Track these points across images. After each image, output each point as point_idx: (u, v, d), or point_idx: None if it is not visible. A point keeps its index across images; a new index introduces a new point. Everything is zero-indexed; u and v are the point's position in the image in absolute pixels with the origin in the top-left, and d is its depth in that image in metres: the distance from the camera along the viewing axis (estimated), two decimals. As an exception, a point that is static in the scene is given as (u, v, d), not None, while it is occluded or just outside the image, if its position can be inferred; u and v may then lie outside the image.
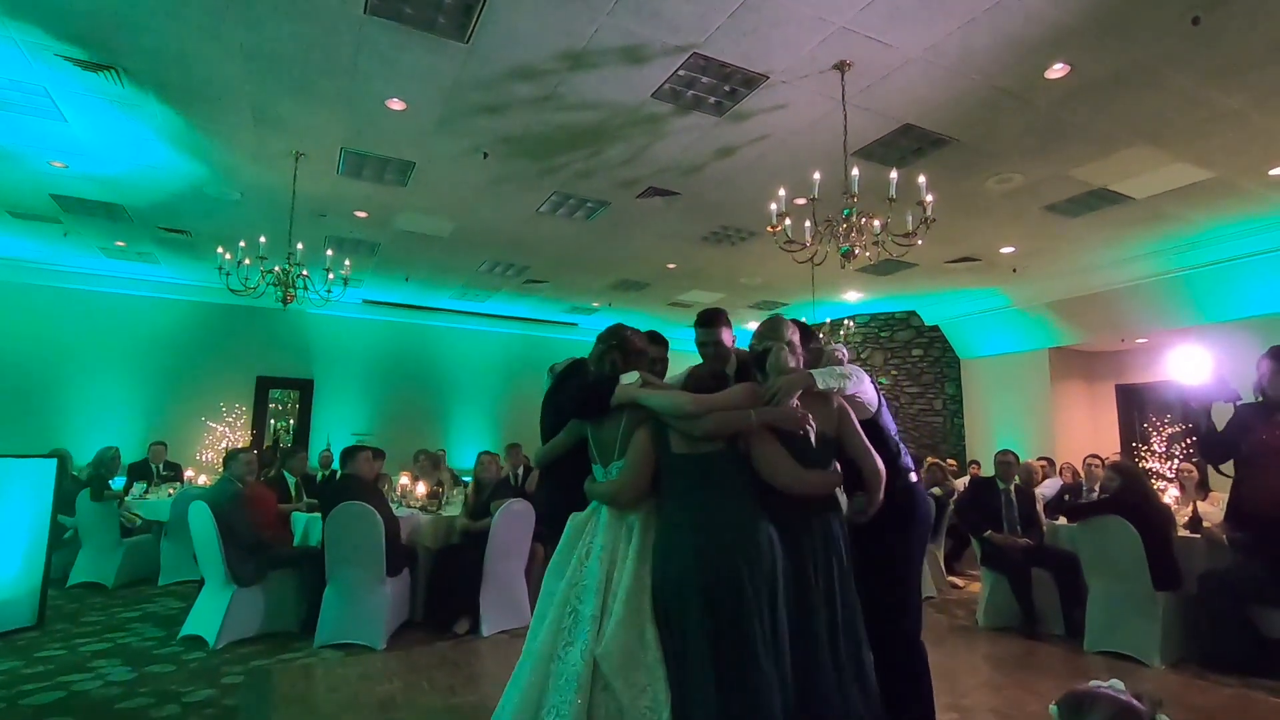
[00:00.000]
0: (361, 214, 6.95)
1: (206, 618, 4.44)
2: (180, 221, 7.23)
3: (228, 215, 6.91)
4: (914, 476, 2.68)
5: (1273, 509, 3.14)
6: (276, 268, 5.68)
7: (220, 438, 9.55)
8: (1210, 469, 4.62)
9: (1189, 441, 4.06)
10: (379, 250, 8.23)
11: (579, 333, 12.89)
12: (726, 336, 2.77)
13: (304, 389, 10.80)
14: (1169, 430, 8.01)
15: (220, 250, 5.75)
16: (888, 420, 2.63)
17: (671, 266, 8.84)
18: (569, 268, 8.99)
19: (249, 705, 3.27)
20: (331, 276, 5.99)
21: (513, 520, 4.81)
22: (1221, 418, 3.72)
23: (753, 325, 11.02)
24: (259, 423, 10.32)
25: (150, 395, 9.66)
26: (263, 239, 5.66)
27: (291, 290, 5.56)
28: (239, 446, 5.49)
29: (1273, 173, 5.76)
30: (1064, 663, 4.24)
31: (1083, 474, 6.48)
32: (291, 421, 10.68)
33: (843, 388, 2.35)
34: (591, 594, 2.14)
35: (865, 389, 2.44)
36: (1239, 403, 3.42)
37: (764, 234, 7.35)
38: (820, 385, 2.28)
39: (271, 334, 10.31)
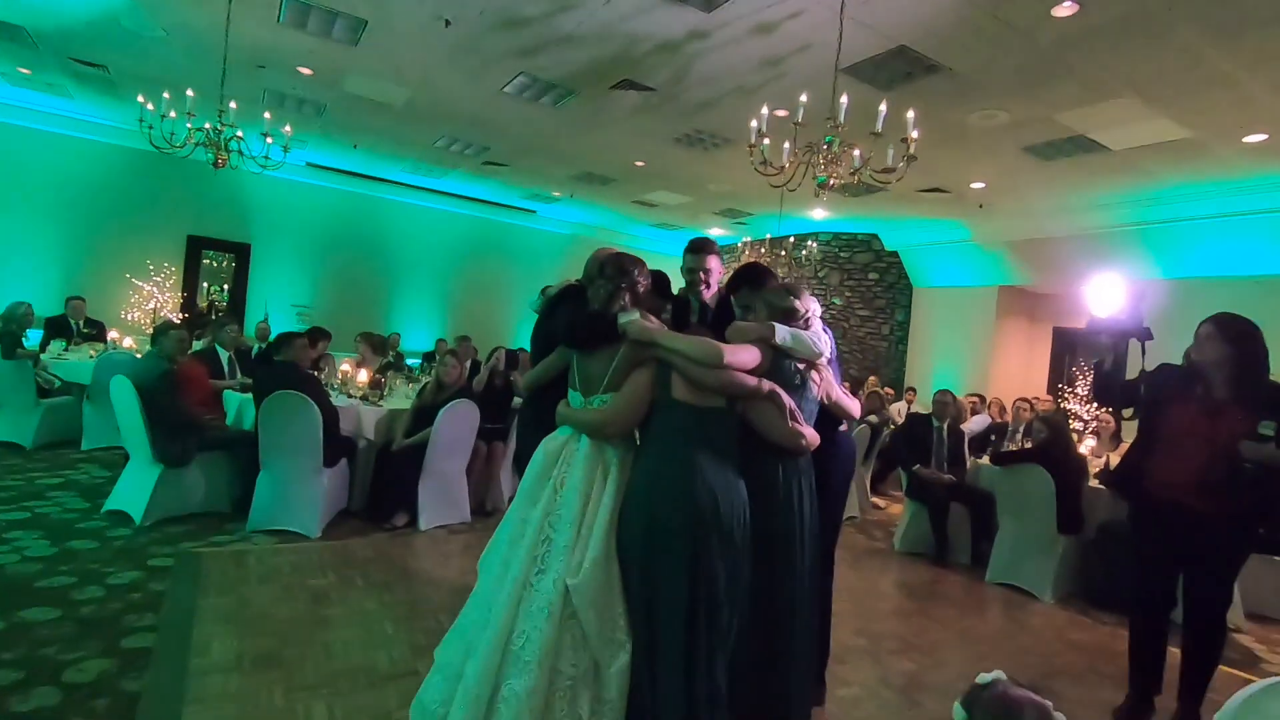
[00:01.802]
0: (306, 70, 6.29)
1: (133, 493, 4.32)
2: (94, 54, 6.42)
3: (150, 54, 6.16)
4: (844, 427, 2.78)
5: (1168, 492, 2.83)
6: (207, 125, 5.14)
7: (148, 297, 9.01)
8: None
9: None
10: (325, 112, 7.57)
11: (537, 220, 12.46)
12: (715, 266, 2.84)
13: (240, 253, 10.21)
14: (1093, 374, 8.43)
15: (141, 100, 5.13)
16: (835, 370, 2.67)
17: (639, 164, 8.46)
18: (531, 153, 8.51)
19: (177, 592, 3.23)
20: (270, 141, 5.47)
21: (456, 419, 4.75)
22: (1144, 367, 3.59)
23: (716, 231, 10.72)
24: (190, 285, 9.78)
25: (67, 245, 8.97)
26: (190, 92, 5.05)
27: (224, 153, 5.07)
28: (169, 320, 5.14)
29: (1246, 139, 5.77)
30: (966, 592, 4.60)
31: (1010, 415, 6.79)
32: (227, 287, 10.15)
33: (805, 354, 2.34)
34: (567, 524, 2.14)
35: (822, 348, 2.45)
36: (1150, 343, 2.96)
37: (738, 142, 7.06)
38: (776, 339, 2.28)
39: (205, 190, 9.55)
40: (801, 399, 2.35)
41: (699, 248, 2.84)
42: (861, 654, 3.36)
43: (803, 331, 2.38)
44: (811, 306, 2.49)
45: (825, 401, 2.48)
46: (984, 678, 1.33)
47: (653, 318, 2.33)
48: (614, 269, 2.37)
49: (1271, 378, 2.79)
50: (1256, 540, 2.88)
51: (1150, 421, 3.05)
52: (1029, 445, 5.23)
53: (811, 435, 2.35)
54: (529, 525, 2.19)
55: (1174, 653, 3.04)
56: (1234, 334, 2.72)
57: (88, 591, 3.17)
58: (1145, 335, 2.95)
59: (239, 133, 5.28)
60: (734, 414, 2.26)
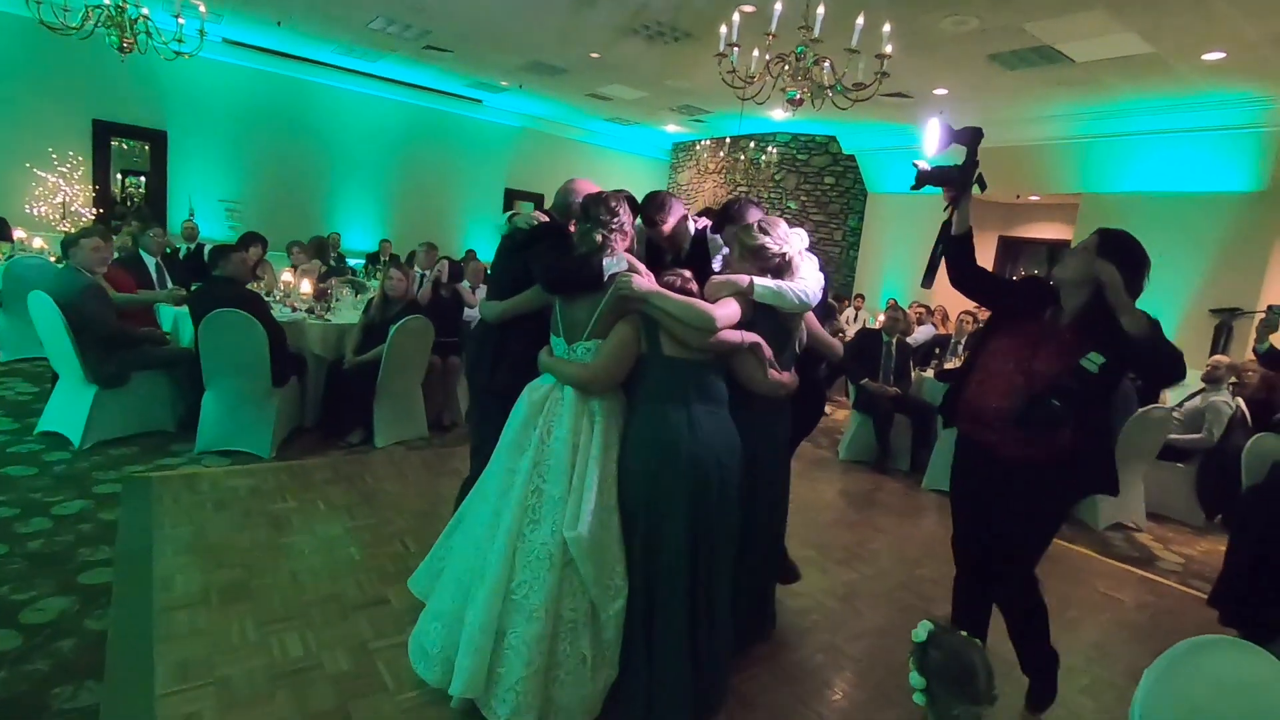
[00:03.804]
0: (217, -65, 5.55)
1: (67, 414, 4.11)
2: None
3: (27, -93, 5.29)
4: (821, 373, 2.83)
5: (971, 428, 2.35)
6: (107, 0, 4.53)
7: (54, 189, 8.27)
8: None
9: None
10: (242, -17, 6.76)
11: (484, 110, 11.74)
12: (671, 224, 2.74)
13: (155, 140, 9.34)
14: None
15: (24, -32, 4.46)
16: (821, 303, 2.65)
17: (595, 56, 7.95)
18: (478, 39, 7.87)
19: (129, 522, 3.15)
20: (182, 21, 4.87)
21: (408, 336, 4.61)
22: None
23: (673, 129, 10.36)
24: (101, 176, 8.96)
25: (-50, 129, 8.02)
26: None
27: (130, 36, 4.50)
28: (82, 229, 4.69)
29: (1205, 57, 5.77)
30: (904, 499, 4.92)
31: (954, 327, 7.02)
32: (144, 179, 9.34)
33: (787, 307, 2.31)
34: (559, 475, 2.14)
35: (808, 295, 2.40)
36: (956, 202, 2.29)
37: (700, 37, 6.69)
38: (755, 296, 2.25)
39: (108, 68, 8.49)
40: (785, 348, 2.36)
41: (652, 220, 2.73)
42: (810, 565, 3.59)
43: (784, 284, 2.30)
44: (793, 240, 2.43)
45: (800, 346, 2.47)
46: (919, 635, 1.43)
47: (641, 265, 2.26)
48: (604, 210, 2.26)
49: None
50: (1069, 500, 2.33)
51: (979, 341, 2.46)
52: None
53: (790, 380, 2.37)
54: (518, 476, 2.19)
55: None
56: (1120, 256, 2.09)
57: (33, 524, 3.06)
58: (975, 181, 2.25)
59: (145, 10, 4.68)
60: (724, 362, 2.26)
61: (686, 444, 2.10)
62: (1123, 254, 2.10)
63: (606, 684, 2.15)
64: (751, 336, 2.24)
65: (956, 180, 2.27)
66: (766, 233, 2.34)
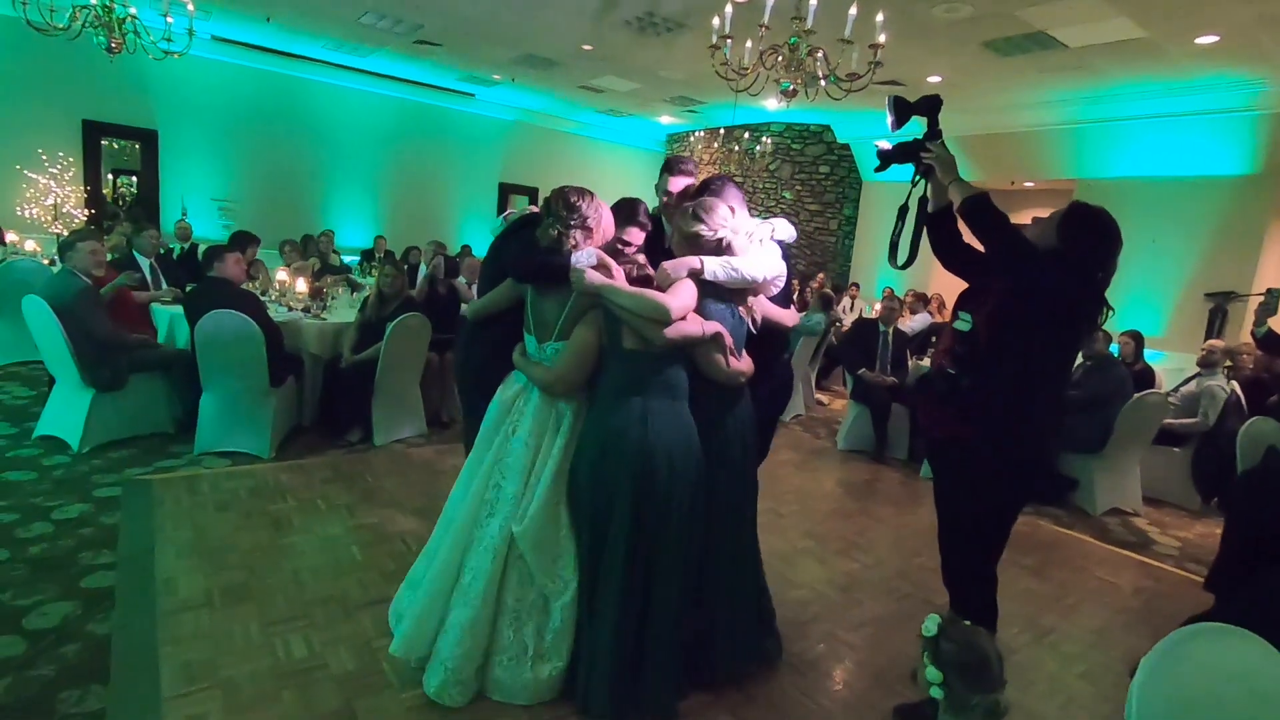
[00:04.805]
0: (203, -68, 5.50)
1: (65, 418, 4.11)
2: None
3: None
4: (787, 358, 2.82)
5: (920, 404, 2.32)
6: (94, 0, 4.49)
7: (45, 191, 8.21)
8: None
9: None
10: (229, -20, 6.71)
11: (476, 104, 11.68)
12: (676, 185, 2.63)
13: (146, 140, 9.28)
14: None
15: (9, -31, 4.42)
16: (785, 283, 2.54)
17: (587, 48, 7.91)
18: (468, 32, 7.82)
19: (130, 525, 3.15)
20: (170, 20, 4.83)
21: (406, 334, 4.61)
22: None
23: (667, 120, 10.33)
24: (92, 177, 8.90)
25: (-62, 132, 7.95)
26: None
27: (118, 36, 4.46)
28: (76, 231, 4.66)
29: (1198, 40, 5.76)
30: (902, 488, 4.95)
31: (949, 315, 7.03)
32: (135, 179, 9.28)
33: (735, 284, 2.25)
34: (516, 473, 2.21)
35: (754, 273, 2.31)
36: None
37: (695, 28, 6.66)
38: (706, 275, 2.20)
39: (97, 68, 8.38)
40: (738, 329, 2.32)
41: (664, 167, 2.69)
42: (809, 556, 3.62)
43: (735, 261, 2.23)
44: (746, 226, 2.34)
45: (754, 327, 2.38)
46: (929, 629, 1.44)
47: (610, 260, 2.21)
48: (561, 205, 2.24)
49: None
50: (998, 479, 2.10)
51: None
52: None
53: (746, 366, 2.33)
54: (481, 468, 2.29)
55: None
56: (1076, 228, 2.00)
57: (34, 528, 3.06)
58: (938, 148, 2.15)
59: (133, 10, 4.64)
60: (685, 355, 2.22)
61: (635, 432, 2.10)
62: (1087, 228, 2.02)
63: (551, 675, 2.20)
64: (713, 326, 2.20)
65: (915, 150, 2.21)
66: (700, 219, 2.26)
